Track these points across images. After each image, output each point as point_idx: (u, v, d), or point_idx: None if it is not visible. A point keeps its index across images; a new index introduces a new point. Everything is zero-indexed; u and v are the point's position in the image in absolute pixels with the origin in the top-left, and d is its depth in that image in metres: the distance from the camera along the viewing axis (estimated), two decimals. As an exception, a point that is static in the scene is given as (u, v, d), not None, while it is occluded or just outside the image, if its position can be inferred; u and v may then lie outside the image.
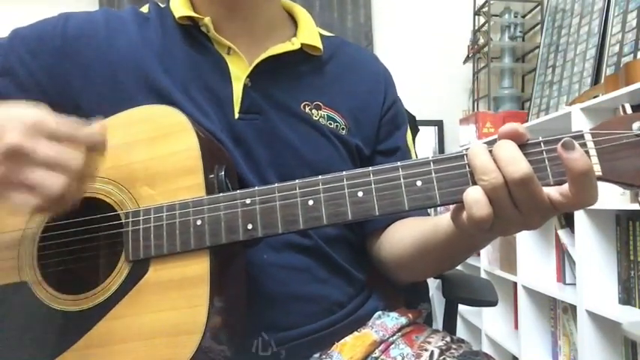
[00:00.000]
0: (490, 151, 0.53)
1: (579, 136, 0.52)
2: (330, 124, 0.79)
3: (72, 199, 0.55)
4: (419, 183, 0.55)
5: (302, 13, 0.85)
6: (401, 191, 0.55)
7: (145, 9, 0.82)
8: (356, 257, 0.82)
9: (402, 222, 0.80)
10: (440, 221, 0.66)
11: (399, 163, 0.56)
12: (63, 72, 0.74)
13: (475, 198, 0.52)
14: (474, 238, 0.62)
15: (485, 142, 0.54)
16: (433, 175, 0.54)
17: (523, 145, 0.53)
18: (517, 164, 0.51)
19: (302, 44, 0.79)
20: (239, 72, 0.75)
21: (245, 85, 0.75)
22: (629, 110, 0.51)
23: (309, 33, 0.81)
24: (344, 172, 0.57)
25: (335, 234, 0.78)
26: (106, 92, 0.73)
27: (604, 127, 0.52)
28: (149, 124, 0.65)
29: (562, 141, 0.50)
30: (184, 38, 0.77)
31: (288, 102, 0.77)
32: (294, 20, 0.85)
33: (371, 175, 0.56)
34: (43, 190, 0.53)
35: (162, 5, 0.81)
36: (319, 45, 0.81)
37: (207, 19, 0.76)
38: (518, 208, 0.52)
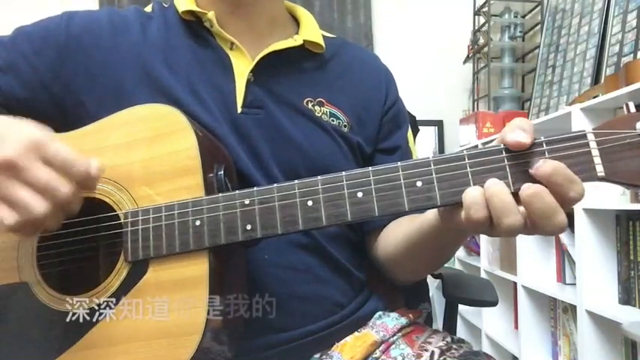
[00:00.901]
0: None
1: (582, 136, 0.52)
2: (333, 121, 0.79)
3: (47, 226, 0.56)
4: (419, 183, 0.54)
5: (304, 14, 0.86)
6: (401, 192, 0.55)
7: (148, 8, 0.82)
8: (357, 256, 0.82)
9: (396, 221, 0.80)
10: (425, 217, 0.66)
11: (399, 164, 0.55)
12: (66, 70, 0.74)
13: (474, 200, 0.52)
14: (462, 233, 0.63)
15: (484, 143, 0.54)
16: (434, 175, 0.54)
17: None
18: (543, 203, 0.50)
19: (304, 41, 0.80)
20: (242, 67, 0.76)
21: (248, 80, 0.75)
22: (632, 109, 0.51)
23: (311, 31, 0.82)
24: (343, 173, 0.57)
25: (336, 232, 0.78)
26: (109, 90, 0.73)
27: (607, 126, 0.52)
28: (148, 124, 0.65)
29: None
30: (187, 34, 0.78)
31: (291, 97, 0.77)
32: (296, 21, 0.86)
33: (371, 176, 0.56)
34: (24, 210, 0.53)
35: (165, 5, 0.81)
36: (321, 42, 0.81)
37: (210, 14, 0.76)
38: (526, 226, 0.52)
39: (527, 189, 0.51)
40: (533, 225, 0.52)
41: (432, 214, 0.64)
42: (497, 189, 0.52)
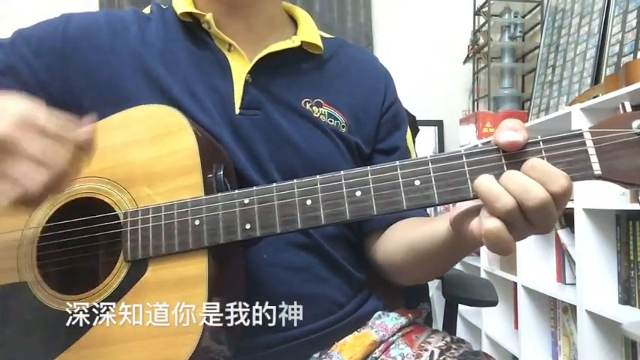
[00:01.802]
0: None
1: (578, 135, 0.52)
2: (331, 121, 0.79)
3: (50, 195, 0.55)
4: (417, 182, 0.55)
5: (302, 15, 0.86)
6: (399, 191, 0.55)
7: (147, 10, 0.82)
8: (355, 256, 0.82)
9: (398, 226, 0.79)
10: (438, 227, 0.66)
11: (397, 163, 0.55)
12: (65, 71, 0.75)
13: (491, 188, 0.52)
14: (473, 244, 0.62)
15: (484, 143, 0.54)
16: (431, 174, 0.54)
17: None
18: (531, 192, 0.50)
19: (302, 42, 0.80)
20: (240, 68, 0.76)
21: (246, 82, 0.75)
22: (628, 109, 0.51)
23: (310, 32, 0.82)
24: (342, 172, 0.57)
25: (335, 232, 0.78)
26: (107, 92, 0.74)
27: (603, 125, 0.52)
28: (148, 124, 0.65)
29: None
30: (186, 35, 0.78)
31: (289, 98, 0.78)
32: (294, 22, 0.86)
33: (369, 175, 0.56)
34: (23, 183, 0.53)
35: (164, 7, 0.82)
36: (319, 43, 0.81)
37: (208, 16, 0.76)
38: (532, 224, 0.52)
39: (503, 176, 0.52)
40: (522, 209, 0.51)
41: (444, 229, 0.63)
42: (510, 173, 0.52)
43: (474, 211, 0.55)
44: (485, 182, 0.52)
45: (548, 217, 0.52)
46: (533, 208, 0.50)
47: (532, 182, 0.51)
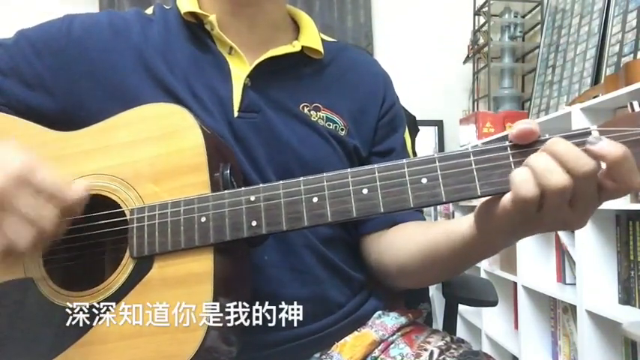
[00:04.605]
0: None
1: (587, 133, 0.52)
2: (329, 125, 0.79)
3: (33, 251, 0.59)
4: (424, 180, 0.55)
5: (305, 19, 0.86)
6: (406, 188, 0.55)
7: (149, 11, 0.83)
8: (354, 258, 0.82)
9: (401, 227, 0.79)
10: (453, 226, 0.65)
11: (404, 161, 0.56)
12: (68, 72, 0.75)
13: (523, 178, 0.51)
14: (494, 242, 0.62)
15: (487, 141, 0.54)
16: (439, 172, 0.54)
17: (533, 142, 0.53)
18: (581, 160, 0.50)
19: (303, 47, 0.80)
20: (239, 71, 0.76)
21: (245, 85, 0.76)
22: (637, 108, 0.51)
23: (311, 37, 0.82)
24: (349, 170, 0.57)
25: (331, 234, 0.78)
26: (112, 92, 0.74)
27: (612, 124, 0.52)
28: (155, 122, 0.65)
29: (588, 139, 0.50)
30: (187, 37, 0.78)
31: (287, 102, 0.78)
32: (296, 25, 0.86)
33: (376, 173, 0.56)
34: (14, 240, 0.56)
35: (167, 7, 0.82)
36: (320, 48, 0.82)
37: (212, 17, 0.76)
38: (574, 206, 0.52)
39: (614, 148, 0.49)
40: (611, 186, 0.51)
41: (464, 227, 0.63)
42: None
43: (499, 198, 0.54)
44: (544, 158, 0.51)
45: (591, 202, 0.51)
46: (585, 181, 0.50)
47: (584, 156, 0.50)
